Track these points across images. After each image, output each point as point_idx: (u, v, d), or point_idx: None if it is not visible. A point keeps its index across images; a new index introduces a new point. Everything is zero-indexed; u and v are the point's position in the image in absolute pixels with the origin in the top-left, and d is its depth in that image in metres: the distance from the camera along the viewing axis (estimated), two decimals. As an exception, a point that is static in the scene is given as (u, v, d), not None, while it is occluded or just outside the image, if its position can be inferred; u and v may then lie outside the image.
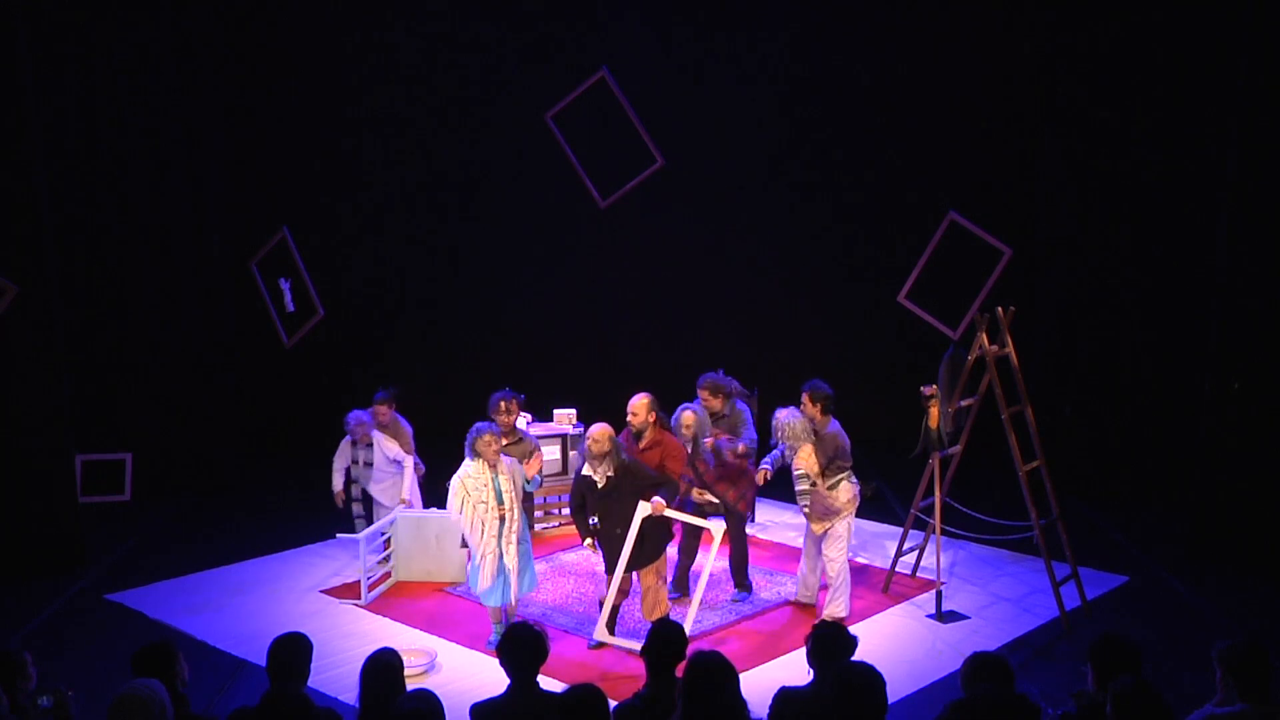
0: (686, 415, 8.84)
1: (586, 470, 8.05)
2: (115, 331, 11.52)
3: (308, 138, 13.04)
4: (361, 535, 9.27)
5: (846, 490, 8.55)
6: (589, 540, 8.23)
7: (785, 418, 8.52)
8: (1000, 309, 8.72)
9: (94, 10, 11.08)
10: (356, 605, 9.03)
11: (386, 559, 9.52)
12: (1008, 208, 11.86)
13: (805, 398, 8.57)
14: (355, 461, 9.88)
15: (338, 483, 9.92)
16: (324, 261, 12.55)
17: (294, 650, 5.35)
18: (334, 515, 10.91)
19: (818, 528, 8.57)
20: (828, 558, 8.60)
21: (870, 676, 4.69)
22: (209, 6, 11.74)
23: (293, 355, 12.53)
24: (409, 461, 9.79)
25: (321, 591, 9.36)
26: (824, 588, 8.81)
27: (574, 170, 12.59)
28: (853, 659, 4.95)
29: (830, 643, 5.28)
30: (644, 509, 7.92)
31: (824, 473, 8.45)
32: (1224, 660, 5.19)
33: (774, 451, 8.87)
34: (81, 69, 11.10)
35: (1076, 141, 11.25)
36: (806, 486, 8.46)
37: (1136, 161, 10.94)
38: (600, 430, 8.00)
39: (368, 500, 9.98)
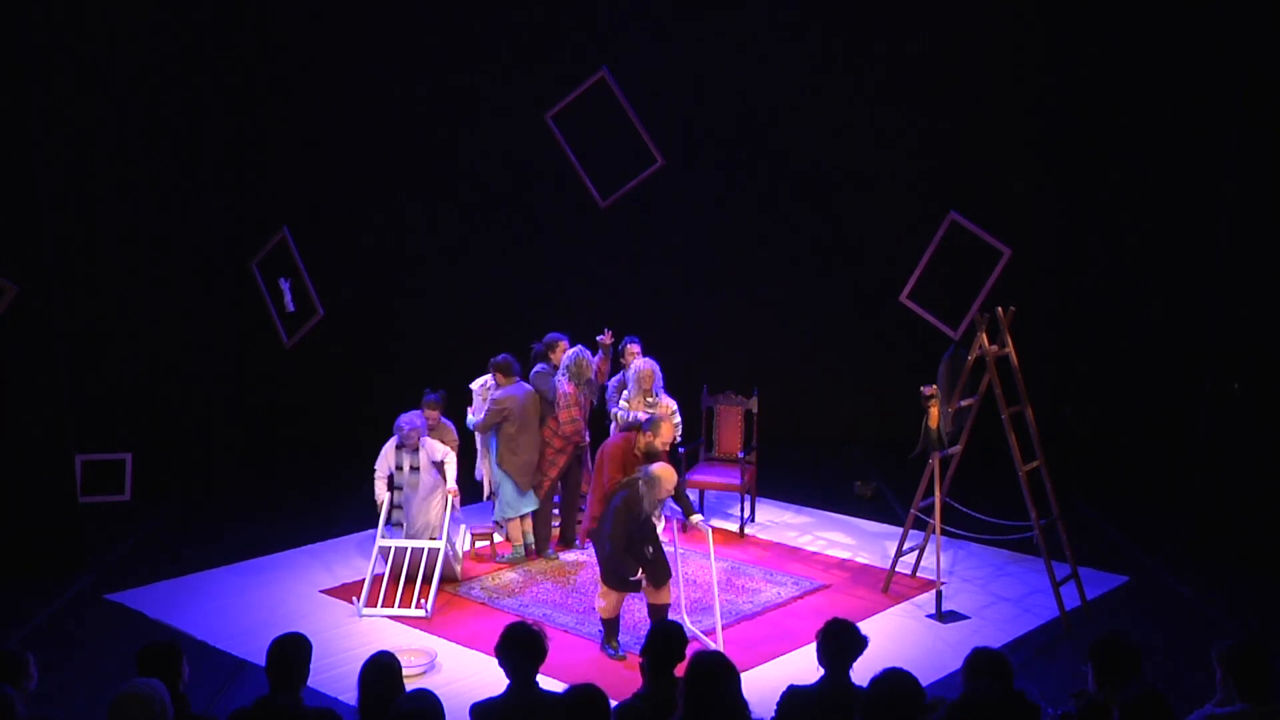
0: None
1: (649, 509, 7.93)
2: (115, 331, 11.50)
3: (308, 138, 13.03)
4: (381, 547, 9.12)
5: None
6: (639, 575, 8.06)
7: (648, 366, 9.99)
8: (1000, 309, 8.72)
9: (95, 9, 11.07)
10: (354, 602, 9.03)
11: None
12: (1008, 208, 11.85)
13: (635, 348, 10.30)
14: (400, 467, 9.29)
15: (381, 490, 9.28)
16: (324, 261, 12.53)
17: (294, 651, 5.35)
18: (334, 515, 10.92)
19: None
20: None
21: (913, 689, 4.65)
22: (210, 6, 11.74)
23: (293, 355, 12.51)
24: (451, 458, 9.32)
25: (321, 591, 9.35)
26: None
27: (574, 170, 12.57)
28: (895, 668, 4.86)
29: (840, 641, 5.30)
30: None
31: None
32: (1224, 660, 5.18)
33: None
34: (82, 69, 11.09)
35: (1076, 141, 11.25)
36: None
37: (1136, 161, 10.94)
38: (668, 471, 7.95)
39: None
